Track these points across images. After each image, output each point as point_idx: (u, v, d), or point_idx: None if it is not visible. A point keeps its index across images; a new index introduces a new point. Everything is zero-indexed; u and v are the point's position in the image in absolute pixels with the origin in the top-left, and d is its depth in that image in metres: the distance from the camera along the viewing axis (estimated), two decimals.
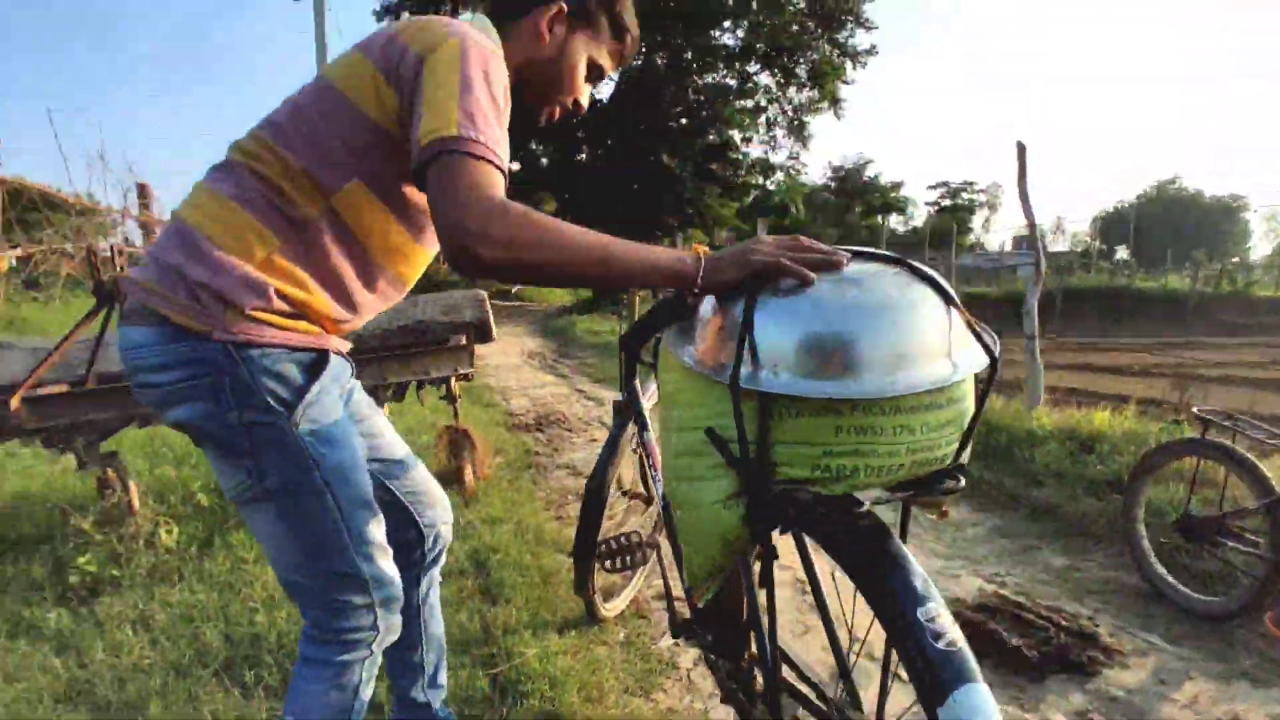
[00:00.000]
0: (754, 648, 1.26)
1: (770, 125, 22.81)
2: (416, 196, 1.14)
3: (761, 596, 1.13)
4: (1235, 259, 46.49)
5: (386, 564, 1.20)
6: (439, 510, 1.43)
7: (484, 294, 3.45)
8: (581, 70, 1.25)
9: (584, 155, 22.70)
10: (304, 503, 1.10)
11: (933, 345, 0.87)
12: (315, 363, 1.11)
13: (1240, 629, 2.36)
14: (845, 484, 0.90)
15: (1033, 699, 2.01)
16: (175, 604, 2.28)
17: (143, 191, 9.18)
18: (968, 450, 0.95)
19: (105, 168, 12.99)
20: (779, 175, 23.30)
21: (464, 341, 3.17)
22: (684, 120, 21.62)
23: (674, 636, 1.61)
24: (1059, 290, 21.44)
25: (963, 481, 0.95)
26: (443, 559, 1.48)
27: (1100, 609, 2.56)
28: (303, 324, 1.10)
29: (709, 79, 22.03)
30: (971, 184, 37.56)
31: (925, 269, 0.94)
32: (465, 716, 1.75)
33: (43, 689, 1.84)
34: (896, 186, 36.71)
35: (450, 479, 3.56)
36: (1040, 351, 4.76)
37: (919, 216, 50.71)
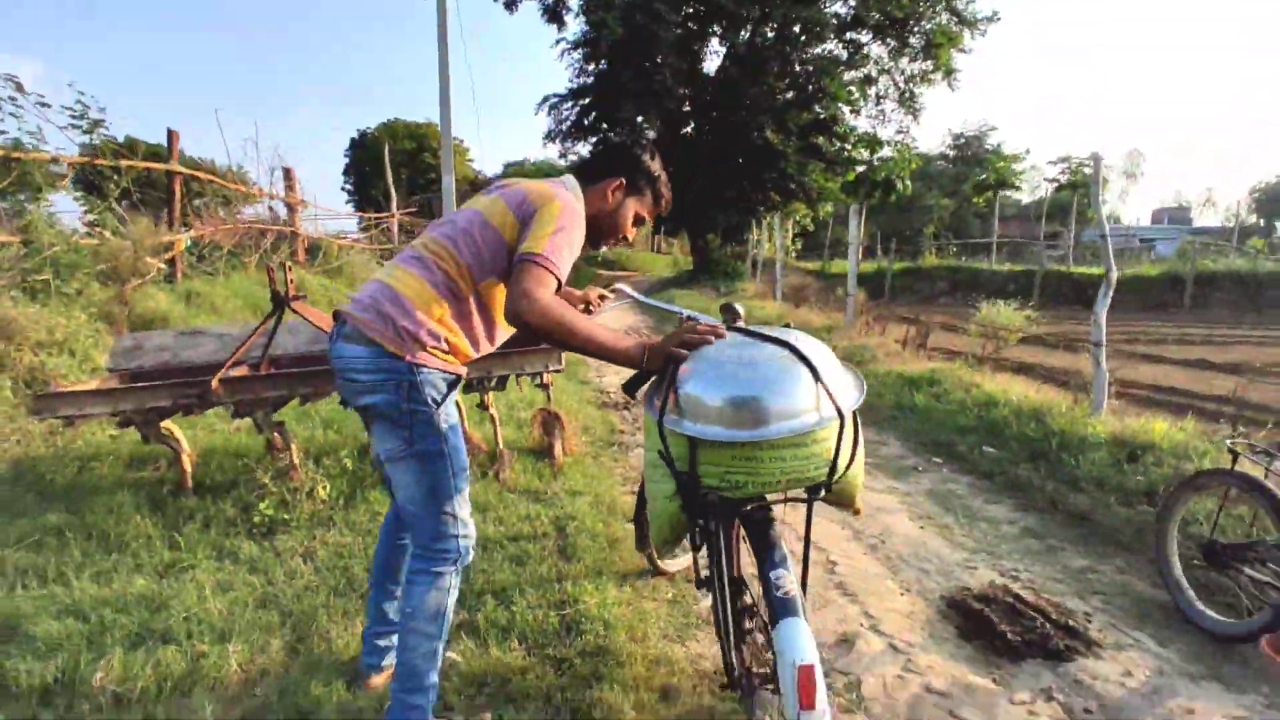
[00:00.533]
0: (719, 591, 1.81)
1: (879, 98, 22.22)
2: None
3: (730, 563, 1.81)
4: None
5: (468, 512, 1.90)
6: None
7: None
8: (629, 220, 2.02)
9: (690, 129, 22.86)
10: (434, 463, 1.80)
11: (801, 405, 1.45)
12: (453, 382, 1.84)
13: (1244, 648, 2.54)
14: (739, 492, 1.50)
15: (1007, 676, 2.39)
16: (330, 544, 2.99)
17: (288, 175, 10.28)
18: (838, 474, 1.52)
19: (258, 152, 14.44)
20: (885, 150, 22.69)
21: None
22: (789, 94, 21.36)
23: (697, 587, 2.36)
24: (1189, 276, 20.04)
25: (822, 493, 1.56)
26: None
27: (1101, 608, 2.86)
28: (451, 359, 1.82)
29: (817, 50, 21.63)
30: (1099, 157, 34.81)
31: (802, 350, 1.52)
32: (538, 644, 2.33)
33: (245, 597, 2.55)
34: (1017, 157, 34.57)
35: (542, 454, 4.18)
36: (1106, 358, 4.87)
37: (1044, 187, 47.78)
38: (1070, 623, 2.67)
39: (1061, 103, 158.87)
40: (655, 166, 2.01)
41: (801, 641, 1.41)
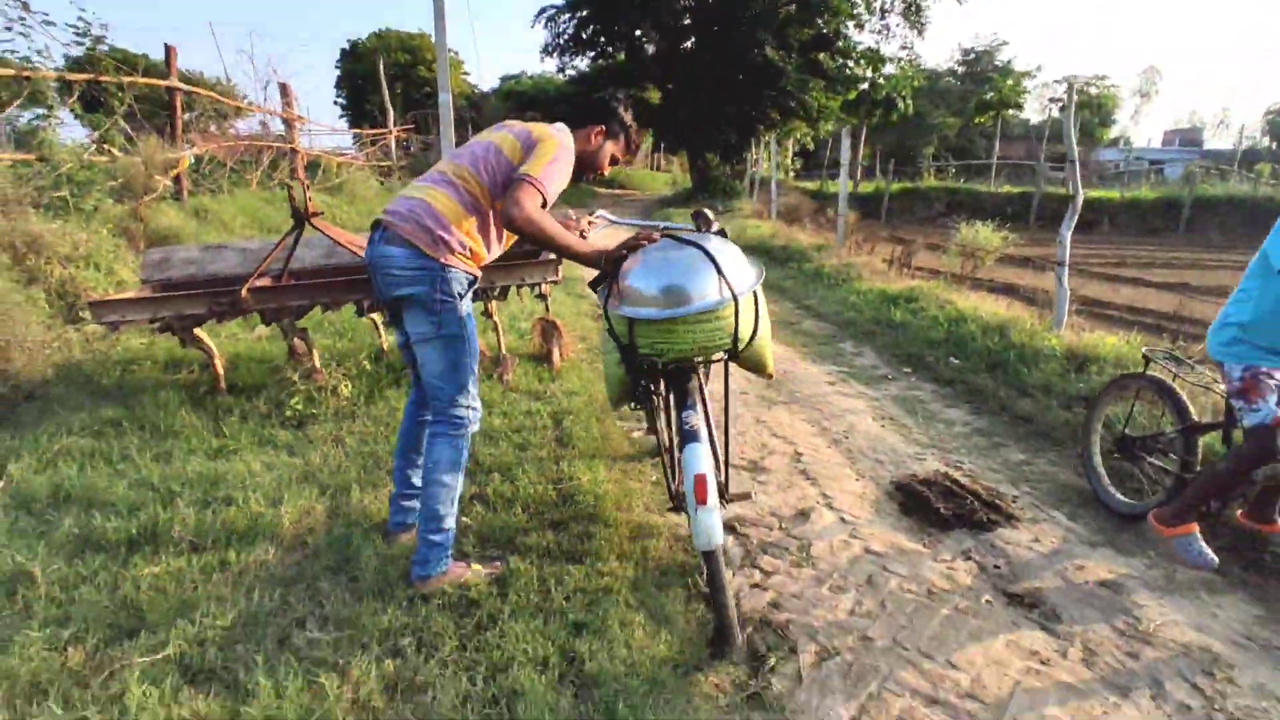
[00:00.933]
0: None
1: (884, 12, 21.69)
2: None
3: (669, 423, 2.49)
4: None
5: (477, 390, 2.37)
6: None
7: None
8: (607, 159, 2.53)
9: (690, 44, 22.39)
10: (456, 344, 2.25)
11: (706, 291, 1.98)
12: (471, 282, 2.30)
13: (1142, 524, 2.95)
14: (664, 357, 2.08)
15: (935, 542, 2.84)
16: (356, 433, 3.41)
17: (284, 91, 10.31)
18: (742, 343, 2.07)
19: (253, 67, 14.22)
20: (888, 68, 22.27)
21: (553, 257, 4.04)
22: (791, 7, 20.83)
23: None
24: (1187, 200, 20.01)
25: (725, 356, 2.17)
26: None
27: (1028, 493, 3.30)
28: (470, 263, 2.27)
29: None
30: (1102, 78, 33.81)
31: (710, 250, 2.02)
32: (538, 511, 2.76)
33: (287, 475, 2.97)
34: (1027, 74, 33.72)
35: (541, 359, 4.56)
36: (1068, 277, 5.20)
37: (1052, 108, 46.75)
38: (997, 502, 3.12)
39: (1077, 26, 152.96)
40: (628, 117, 2.51)
41: (699, 459, 1.95)
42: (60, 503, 2.69)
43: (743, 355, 2.17)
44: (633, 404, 2.56)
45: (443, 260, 2.16)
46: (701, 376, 2.30)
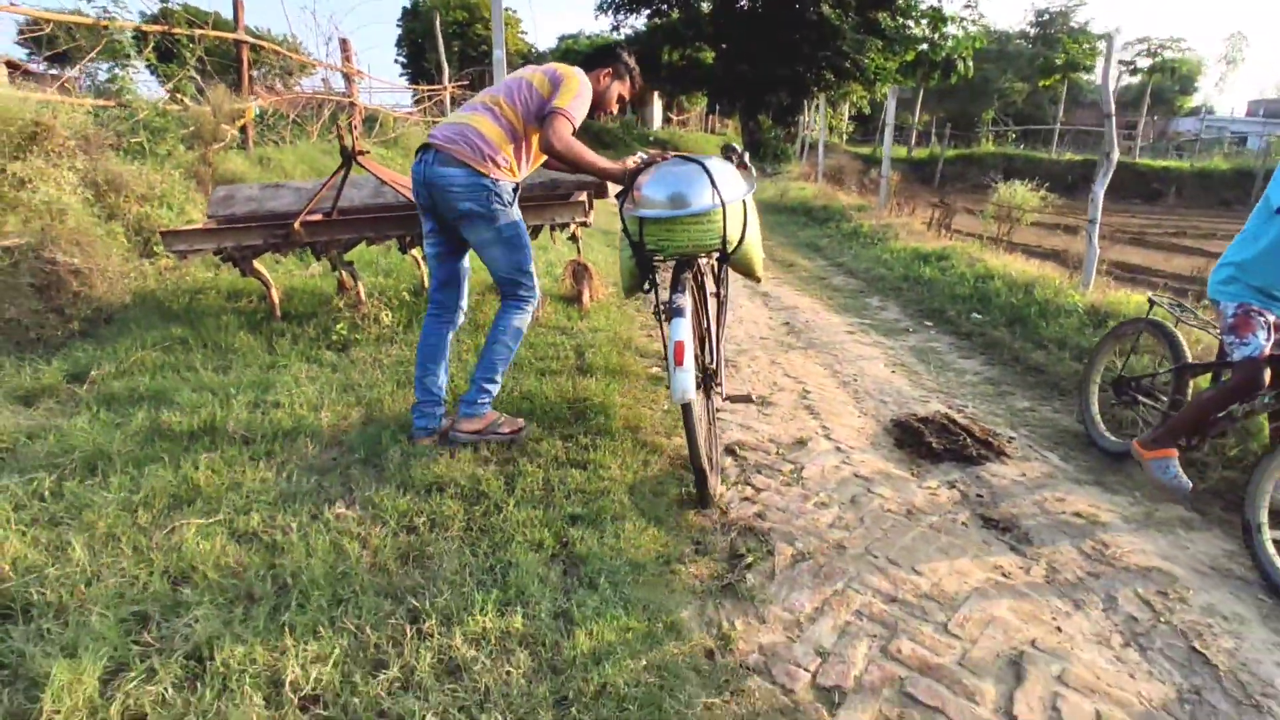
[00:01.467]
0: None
1: None
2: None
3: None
4: None
5: (534, 268, 2.83)
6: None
7: None
8: (614, 98, 2.99)
9: (744, 3, 22.00)
10: (515, 239, 2.71)
11: (700, 197, 2.39)
12: (516, 189, 2.74)
13: (1131, 464, 3.05)
14: (666, 251, 2.49)
15: (923, 472, 3.00)
16: (394, 355, 3.71)
17: (344, 46, 10.64)
18: (730, 245, 2.48)
19: (315, 21, 14.65)
20: (950, 28, 21.48)
21: (584, 198, 4.23)
22: None
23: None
24: (1260, 171, 18.97)
25: (716, 254, 2.57)
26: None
27: (1026, 436, 3.41)
28: (512, 174, 2.71)
29: None
30: (1179, 40, 31.74)
31: (707, 166, 2.43)
32: (556, 425, 3.02)
33: (328, 388, 3.29)
34: (1104, 36, 32.00)
35: (572, 300, 4.80)
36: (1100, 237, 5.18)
37: (1125, 72, 44.40)
38: (990, 440, 3.25)
39: None
40: (631, 61, 2.98)
41: (679, 329, 2.26)
42: (135, 402, 3.05)
43: (733, 258, 2.58)
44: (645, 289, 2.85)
45: (493, 175, 2.58)
46: (704, 270, 2.81)
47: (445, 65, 16.31)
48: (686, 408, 2.30)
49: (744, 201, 2.53)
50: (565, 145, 2.58)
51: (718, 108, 32.58)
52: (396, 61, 42.52)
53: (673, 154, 2.68)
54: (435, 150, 2.58)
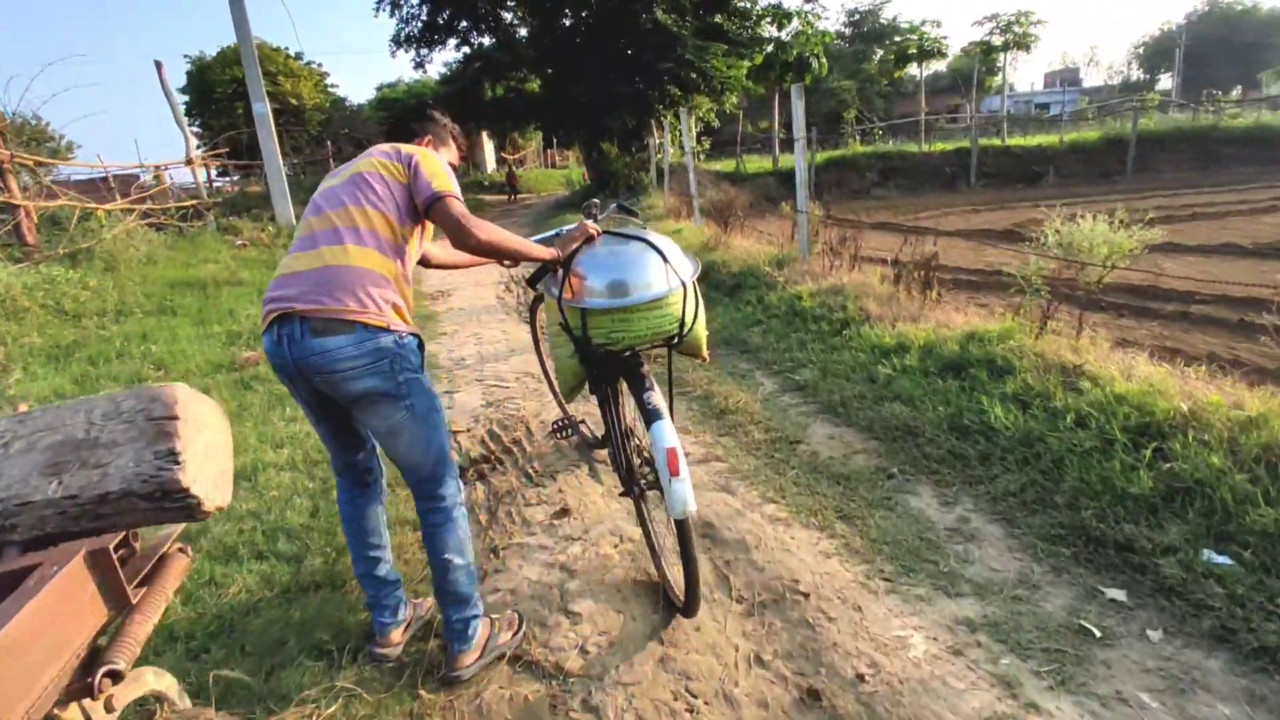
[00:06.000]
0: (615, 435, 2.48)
1: None
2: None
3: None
4: None
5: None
6: None
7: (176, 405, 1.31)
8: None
9: (568, 20, 19.08)
10: (434, 419, 2.01)
11: (654, 280, 2.14)
12: (420, 343, 2.00)
13: None
14: (619, 344, 2.19)
15: None
16: None
17: None
18: (686, 328, 2.21)
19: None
20: (794, 24, 19.55)
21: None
22: None
23: (557, 434, 3.50)
24: (1132, 138, 18.18)
25: (678, 341, 2.25)
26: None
27: None
28: (408, 317, 1.96)
29: None
30: (1029, 14, 32.00)
31: (656, 244, 2.21)
32: None
33: None
34: (935, 24, 31.90)
35: None
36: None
37: (948, 57, 45.89)
38: None
39: None
40: (447, 121, 2.37)
41: (666, 434, 2.01)
42: None
43: (685, 341, 2.28)
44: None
45: (394, 328, 1.88)
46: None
47: (186, 131, 12.30)
48: (684, 523, 2.01)
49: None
50: (488, 234, 1.94)
51: (554, 140, 29.64)
52: (194, 130, 36.39)
53: (603, 229, 2.34)
54: (299, 318, 1.78)
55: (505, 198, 23.88)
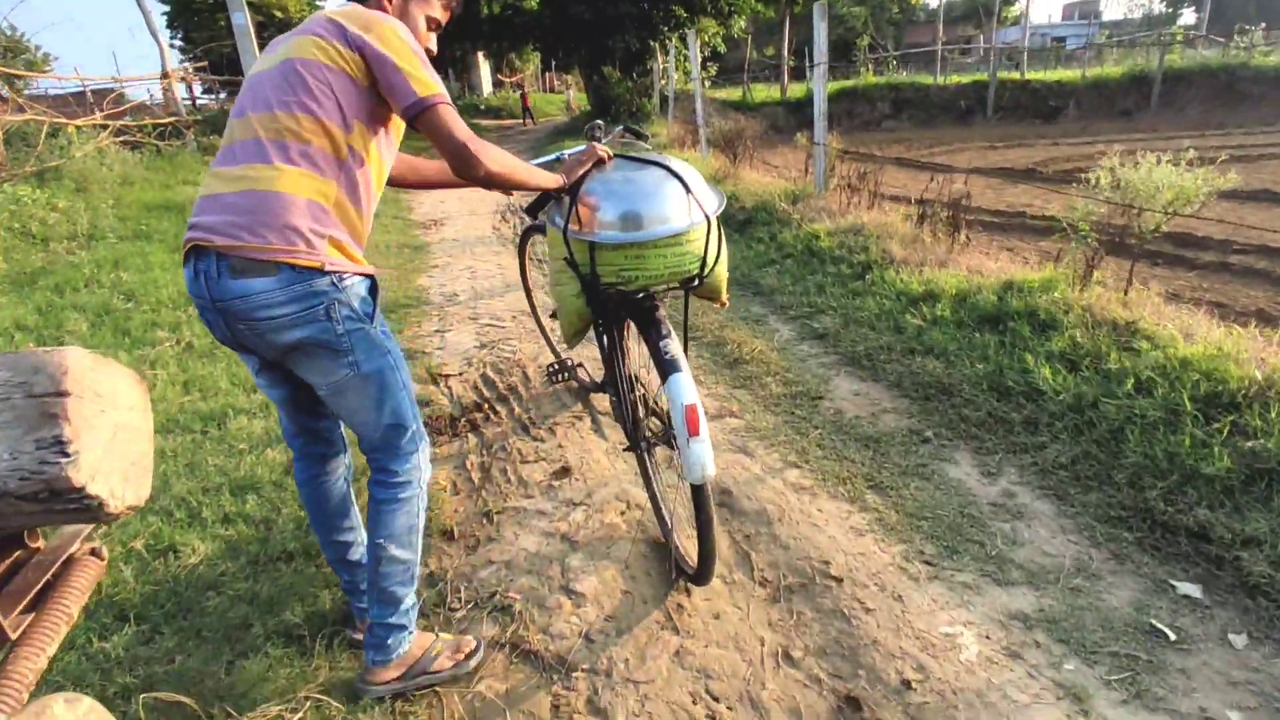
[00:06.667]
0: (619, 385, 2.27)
1: None
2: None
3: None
4: None
5: (419, 420, 1.73)
6: None
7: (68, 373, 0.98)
8: (423, 28, 1.71)
9: None
10: (387, 379, 1.61)
11: (675, 212, 1.83)
12: (372, 286, 1.60)
13: None
14: (632, 284, 1.89)
15: None
16: None
17: None
18: (708, 268, 1.93)
19: None
20: None
21: None
22: None
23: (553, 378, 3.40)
24: (1157, 75, 17.37)
25: (698, 283, 1.96)
26: None
27: None
28: (360, 259, 1.56)
29: None
30: None
31: (677, 171, 1.88)
32: None
33: None
34: None
35: None
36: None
37: None
38: None
39: None
40: None
41: (685, 389, 1.77)
42: None
43: (705, 283, 2.00)
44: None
45: (331, 267, 1.47)
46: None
47: (163, 45, 11.56)
48: (701, 488, 1.77)
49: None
50: (499, 164, 1.56)
51: (553, 62, 28.36)
52: (172, 45, 34.25)
53: (614, 151, 2.02)
54: (216, 254, 1.42)
55: (519, 122, 23.08)
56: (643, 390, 2.35)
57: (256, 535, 2.33)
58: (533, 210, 2.20)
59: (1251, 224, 6.26)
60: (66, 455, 0.98)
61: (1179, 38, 23.29)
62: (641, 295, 2.01)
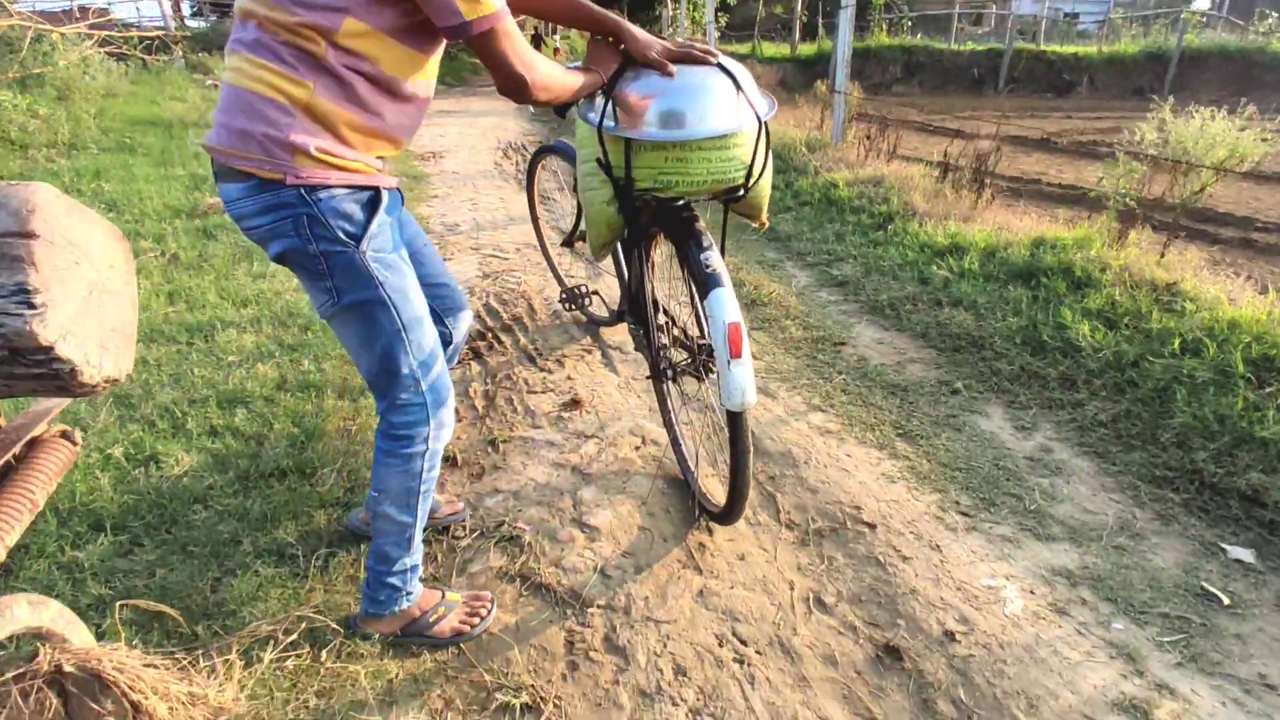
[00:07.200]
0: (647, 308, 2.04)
1: None
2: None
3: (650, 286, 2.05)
4: None
5: (438, 370, 1.49)
6: (462, 315, 1.79)
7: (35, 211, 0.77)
8: None
9: None
10: (374, 315, 1.38)
11: (723, 111, 1.59)
12: (371, 200, 1.36)
13: None
14: (671, 190, 1.68)
15: None
16: None
17: None
18: (753, 178, 1.71)
19: None
20: None
21: None
22: None
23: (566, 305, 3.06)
24: (1174, 55, 17.05)
25: (743, 193, 1.74)
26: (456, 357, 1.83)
27: None
28: (357, 164, 1.32)
29: None
30: None
31: (728, 68, 1.63)
32: None
33: None
34: None
35: None
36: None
37: None
38: None
39: None
40: None
41: (728, 305, 1.64)
42: None
43: (747, 197, 1.78)
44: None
45: (296, 180, 1.25)
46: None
47: None
48: (740, 416, 1.65)
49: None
50: (551, 91, 1.41)
51: None
52: None
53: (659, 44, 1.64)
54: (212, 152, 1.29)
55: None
56: (668, 317, 2.19)
57: (246, 450, 2.17)
58: (562, 110, 1.97)
59: (1268, 204, 6.14)
60: (32, 307, 0.81)
61: (1199, 17, 22.90)
62: (679, 204, 1.83)
